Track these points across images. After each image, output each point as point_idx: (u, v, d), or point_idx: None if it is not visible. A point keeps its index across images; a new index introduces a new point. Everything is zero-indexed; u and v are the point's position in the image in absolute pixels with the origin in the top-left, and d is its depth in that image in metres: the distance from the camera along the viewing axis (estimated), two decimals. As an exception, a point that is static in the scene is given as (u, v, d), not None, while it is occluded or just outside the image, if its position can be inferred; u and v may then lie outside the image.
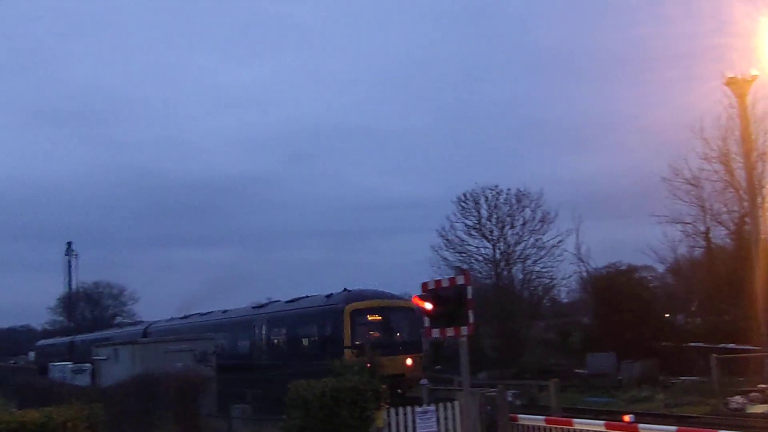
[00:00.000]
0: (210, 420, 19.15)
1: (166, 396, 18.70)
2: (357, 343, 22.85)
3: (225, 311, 37.05)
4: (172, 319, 46.59)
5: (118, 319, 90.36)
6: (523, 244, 41.34)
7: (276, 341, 29.05)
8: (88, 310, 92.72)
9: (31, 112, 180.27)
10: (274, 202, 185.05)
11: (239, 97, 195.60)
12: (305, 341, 27.31)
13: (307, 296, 29.55)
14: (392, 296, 27.11)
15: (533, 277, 41.89)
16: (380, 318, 24.94)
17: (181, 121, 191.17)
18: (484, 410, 12.24)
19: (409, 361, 24.08)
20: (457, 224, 42.34)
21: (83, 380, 38.77)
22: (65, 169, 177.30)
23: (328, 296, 26.88)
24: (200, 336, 30.58)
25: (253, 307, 35.83)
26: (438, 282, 13.09)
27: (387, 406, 11.87)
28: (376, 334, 24.45)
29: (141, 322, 62.02)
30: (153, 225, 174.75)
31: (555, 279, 41.79)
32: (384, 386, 12.08)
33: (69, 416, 9.12)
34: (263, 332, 29.81)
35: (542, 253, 40.85)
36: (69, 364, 41.16)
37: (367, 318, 24.59)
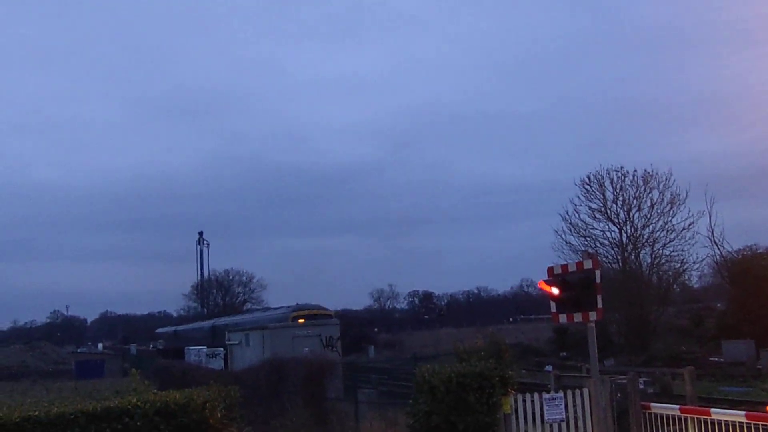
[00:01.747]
0: (337, 403, 19.62)
1: (294, 380, 19.35)
2: None
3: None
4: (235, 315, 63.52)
5: (248, 306, 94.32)
6: (651, 227, 39.91)
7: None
8: (220, 296, 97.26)
9: (150, 108, 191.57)
10: (385, 189, 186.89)
11: (345, 87, 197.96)
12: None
13: (272, 308, 45.07)
14: (319, 307, 44.33)
15: (662, 261, 40.29)
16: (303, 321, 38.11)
17: (292, 113, 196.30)
18: (614, 398, 11.80)
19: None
20: (580, 207, 41.41)
21: (217, 364, 41.01)
22: (187, 162, 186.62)
23: (280, 308, 42.26)
24: (327, 321, 31.50)
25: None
26: (564, 267, 12.75)
27: (514, 392, 11.70)
28: None
29: (267, 308, 65.99)
30: (274, 214, 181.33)
31: (686, 263, 39.96)
32: (511, 372, 11.92)
33: (208, 397, 9.56)
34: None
35: (672, 236, 39.21)
36: (204, 349, 43.56)
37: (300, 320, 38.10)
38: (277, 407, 18.85)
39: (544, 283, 12.04)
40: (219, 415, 9.41)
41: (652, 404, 12.26)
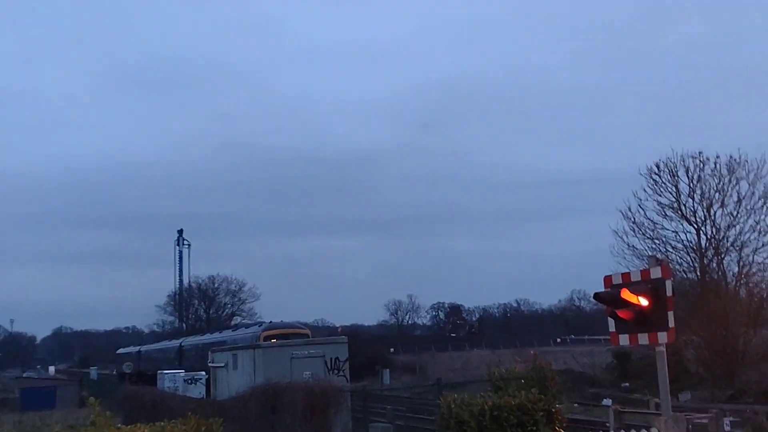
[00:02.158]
0: (344, 441, 19.67)
1: (292, 411, 19.40)
2: None
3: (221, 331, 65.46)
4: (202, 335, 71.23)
5: (237, 319, 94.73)
6: (738, 228, 39.42)
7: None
8: (203, 308, 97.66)
9: (119, 79, 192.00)
10: (405, 181, 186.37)
11: (357, 56, 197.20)
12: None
13: (242, 326, 63.21)
14: (293, 326, 52.22)
15: (753, 270, 39.75)
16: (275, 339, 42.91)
17: (291, 88, 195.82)
18: (690, 441, 11.73)
19: None
20: (647, 203, 41.04)
21: (197, 391, 41.28)
22: (164, 146, 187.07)
23: (254, 324, 57.69)
24: (333, 339, 31.59)
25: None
26: (626, 275, 12.64)
27: (563, 431, 11.65)
28: None
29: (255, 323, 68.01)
30: (269, 210, 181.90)
31: (784, 273, 39.35)
32: (559, 405, 11.86)
33: (184, 432, 9.59)
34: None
35: (766, 239, 38.65)
36: (181, 373, 43.91)
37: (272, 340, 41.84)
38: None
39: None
40: (197, 455, 9.44)
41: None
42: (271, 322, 52.89)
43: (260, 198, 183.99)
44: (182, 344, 66.40)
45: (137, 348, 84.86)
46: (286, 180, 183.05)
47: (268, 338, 44.95)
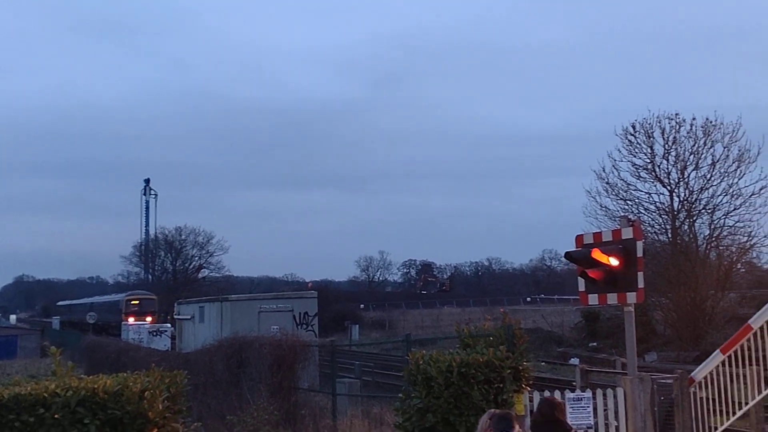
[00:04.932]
0: (311, 396, 19.77)
1: (258, 365, 19.43)
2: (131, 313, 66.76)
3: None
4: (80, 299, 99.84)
5: (204, 272, 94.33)
6: (711, 191, 39.69)
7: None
8: (170, 260, 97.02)
9: (68, 18, 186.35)
10: (371, 135, 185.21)
11: (316, 4, 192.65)
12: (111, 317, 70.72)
13: (108, 294, 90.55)
14: (147, 292, 78.19)
15: (724, 233, 40.17)
16: (138, 302, 72.19)
17: (246, 38, 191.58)
18: (656, 401, 11.89)
19: (148, 318, 63.70)
20: (621, 164, 41.19)
21: (162, 343, 41.34)
22: (119, 92, 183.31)
23: (113, 294, 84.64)
24: (302, 294, 31.64)
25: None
26: (598, 235, 12.75)
27: (529, 389, 11.78)
28: (138, 311, 68.69)
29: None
30: (239, 160, 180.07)
31: (754, 237, 39.77)
32: (526, 363, 11.97)
33: (147, 385, 9.52)
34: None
35: (738, 202, 38.99)
36: (146, 324, 43.88)
37: (131, 303, 71.72)
38: (236, 398, 18.97)
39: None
40: (160, 407, 9.40)
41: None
42: (130, 292, 79.07)
43: (225, 149, 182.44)
44: (70, 304, 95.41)
45: (69, 302, 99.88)
46: (248, 131, 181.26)
47: (128, 302, 71.07)
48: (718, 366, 12.26)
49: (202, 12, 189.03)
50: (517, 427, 7.05)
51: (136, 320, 57.37)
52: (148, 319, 61.38)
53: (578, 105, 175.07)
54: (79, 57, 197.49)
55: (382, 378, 29.10)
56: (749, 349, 12.08)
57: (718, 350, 12.50)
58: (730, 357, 12.23)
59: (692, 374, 12.46)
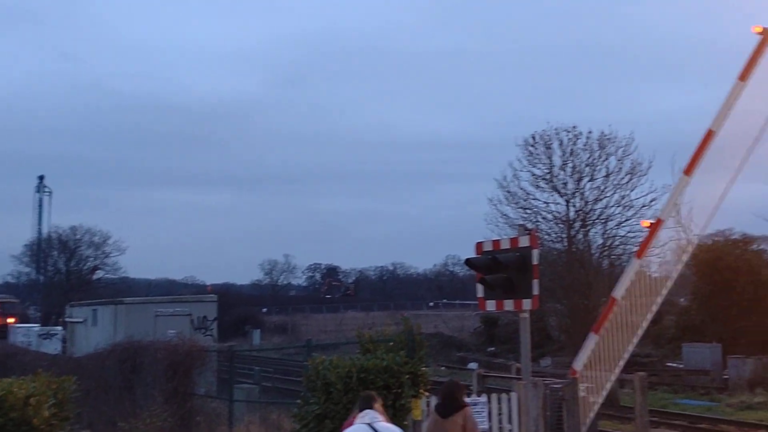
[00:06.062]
0: (207, 402, 19.47)
1: (153, 370, 19.03)
2: None
3: None
4: None
5: (99, 273, 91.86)
6: (604, 201, 40.76)
7: None
8: (63, 260, 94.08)
9: None
10: (277, 136, 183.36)
11: (218, 4, 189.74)
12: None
13: None
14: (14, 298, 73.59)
15: (616, 243, 41.36)
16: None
17: (136, 27, 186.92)
18: (548, 406, 12.15)
19: (10, 320, 55.57)
20: (522, 173, 41.93)
21: (52, 347, 39.94)
22: (11, 83, 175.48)
23: None
24: (201, 297, 31.14)
25: None
26: (496, 243, 12.97)
27: (427, 394, 11.85)
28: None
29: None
30: (134, 159, 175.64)
31: (644, 247, 41.12)
32: (425, 368, 12.05)
33: (33, 390, 9.22)
34: None
35: (629, 213, 40.19)
36: (35, 327, 42.35)
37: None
38: (129, 404, 18.54)
39: (471, 262, 12.15)
40: (46, 414, 9.12)
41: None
42: None
43: (121, 146, 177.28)
44: None
45: None
46: (144, 129, 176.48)
47: None
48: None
49: (95, 3, 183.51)
50: (379, 401, 7.97)
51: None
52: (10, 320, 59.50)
53: (482, 113, 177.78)
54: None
55: (283, 384, 28.89)
56: (618, 322, 13.02)
57: (591, 332, 13.14)
58: (602, 336, 12.93)
59: (572, 364, 12.85)
